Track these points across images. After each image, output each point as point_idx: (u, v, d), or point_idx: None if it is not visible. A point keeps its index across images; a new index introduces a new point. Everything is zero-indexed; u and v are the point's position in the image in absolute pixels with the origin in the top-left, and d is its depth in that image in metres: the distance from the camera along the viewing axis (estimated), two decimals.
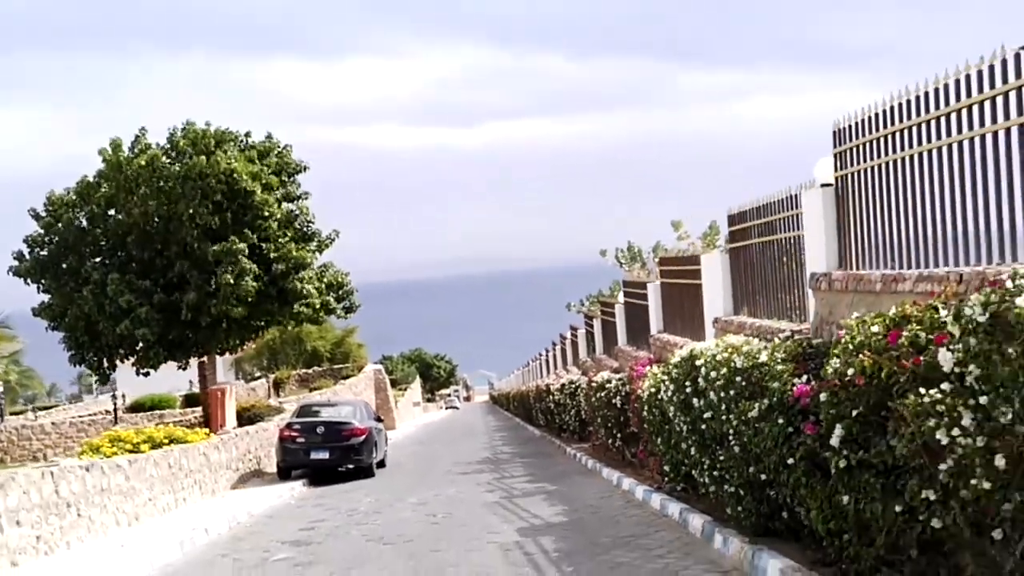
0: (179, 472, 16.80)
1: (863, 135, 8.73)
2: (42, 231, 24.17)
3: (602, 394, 16.27)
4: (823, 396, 5.92)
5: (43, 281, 23.88)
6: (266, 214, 23.31)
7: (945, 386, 4.59)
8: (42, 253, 24.08)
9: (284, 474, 20.47)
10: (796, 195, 10.63)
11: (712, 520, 9.24)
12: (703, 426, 9.03)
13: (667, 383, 10.47)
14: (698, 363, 9.13)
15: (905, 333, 5.19)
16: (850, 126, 9.03)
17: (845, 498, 5.93)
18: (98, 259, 23.80)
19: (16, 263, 24.10)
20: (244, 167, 22.92)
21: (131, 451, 17.15)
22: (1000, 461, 4.27)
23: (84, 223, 24.08)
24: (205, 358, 25.50)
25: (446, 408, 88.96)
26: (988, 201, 6.77)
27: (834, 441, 5.81)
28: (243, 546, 12.11)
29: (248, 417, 26.01)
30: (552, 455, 22.58)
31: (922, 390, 4.70)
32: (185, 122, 24.46)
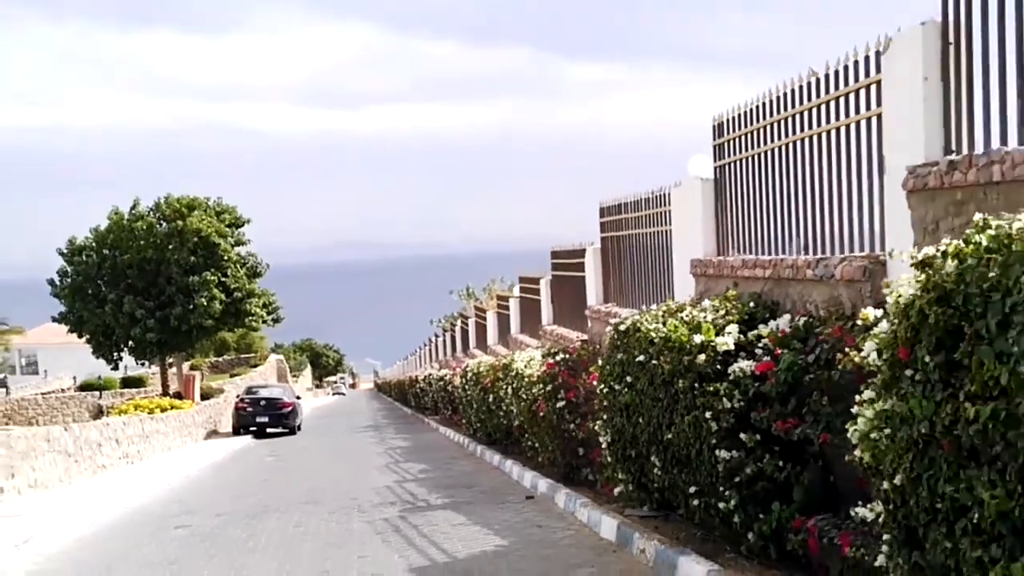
0: (183, 426, 27.40)
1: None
2: (67, 265, 34.61)
3: (440, 383, 27.51)
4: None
5: (75, 301, 34.21)
6: (226, 258, 34.24)
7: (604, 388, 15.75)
8: (67, 280, 34.46)
9: (237, 431, 31.06)
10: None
11: (502, 456, 20.39)
12: (489, 403, 20.07)
13: (463, 380, 21.67)
14: (482, 369, 20.22)
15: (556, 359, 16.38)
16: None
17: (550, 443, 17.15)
18: (111, 286, 34.27)
19: (53, 287, 34.49)
20: (209, 225, 33.90)
21: (149, 412, 27.60)
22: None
23: (98, 261, 34.55)
24: (172, 356, 36.24)
25: (333, 394, 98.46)
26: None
27: (559, 404, 17.03)
28: (242, 457, 22.92)
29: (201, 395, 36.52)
30: (415, 423, 33.63)
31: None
32: (167, 194, 35.34)
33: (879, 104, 6.07)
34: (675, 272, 10.29)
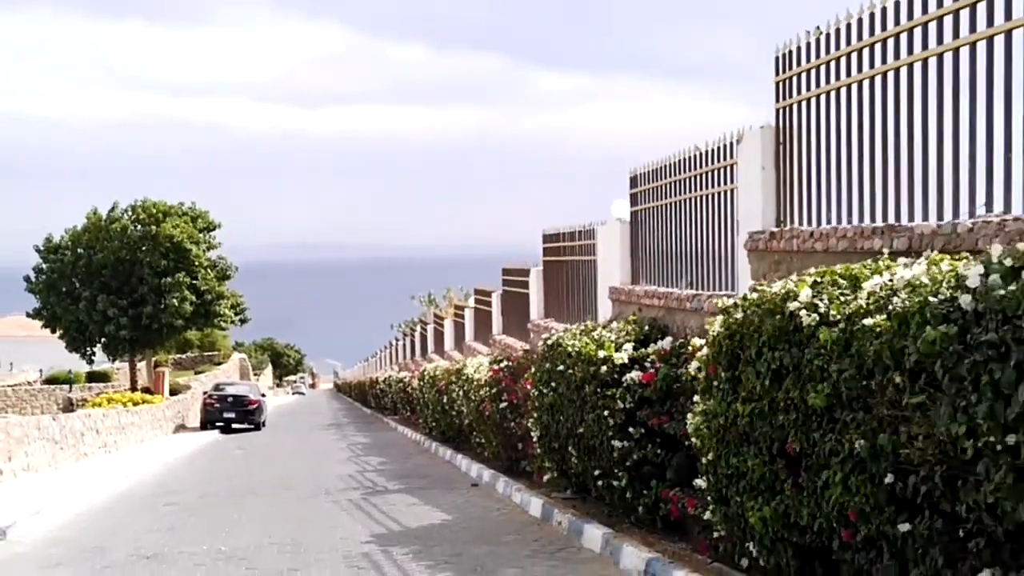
0: (154, 419, 28.96)
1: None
2: (42, 262, 36.01)
3: (399, 385, 29.30)
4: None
5: (50, 297, 35.62)
6: (197, 262, 35.90)
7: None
8: (42, 277, 35.90)
9: (204, 426, 32.61)
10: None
11: (454, 451, 22.22)
12: (443, 404, 21.89)
13: (421, 382, 23.48)
14: (438, 373, 22.03)
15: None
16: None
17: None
18: (85, 284, 35.74)
19: (28, 283, 35.85)
20: (182, 232, 35.57)
21: (123, 405, 29.13)
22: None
23: (73, 259, 36.03)
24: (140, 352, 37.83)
25: (293, 393, 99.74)
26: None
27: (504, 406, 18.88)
28: (212, 450, 24.58)
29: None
30: (375, 423, 35.38)
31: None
32: (143, 198, 36.88)
33: (734, 181, 8.03)
34: (599, 296, 12.24)
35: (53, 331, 37.15)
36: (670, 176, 9.77)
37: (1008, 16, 5.02)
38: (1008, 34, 5.05)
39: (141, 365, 38.58)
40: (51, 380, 50.47)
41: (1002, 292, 3.50)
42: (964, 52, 5.42)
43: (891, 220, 6.09)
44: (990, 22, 5.16)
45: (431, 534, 9.95)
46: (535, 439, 11.33)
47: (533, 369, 11.42)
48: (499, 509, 11.48)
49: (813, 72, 6.94)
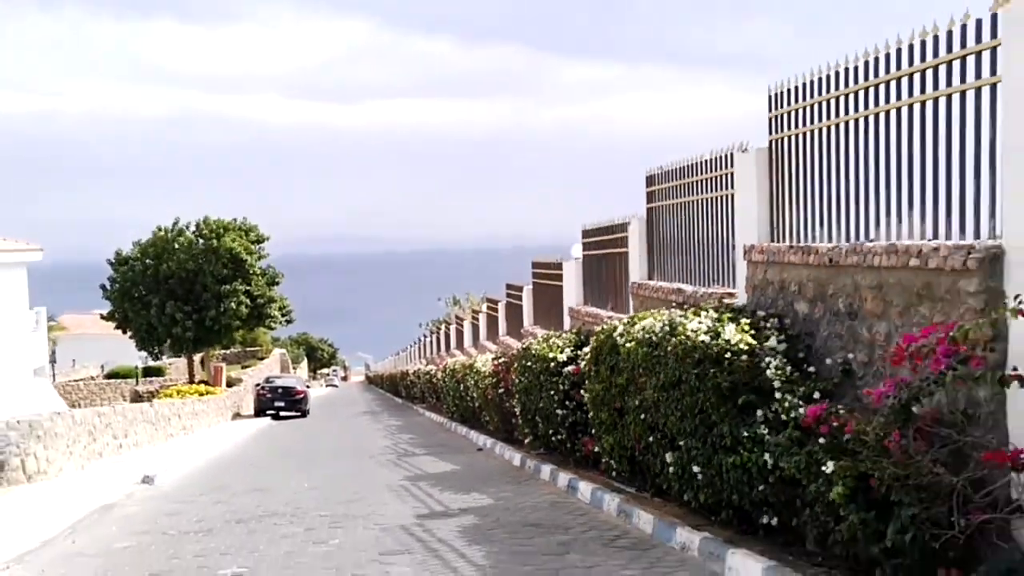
0: (218, 407, 34.07)
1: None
2: (114, 273, 41.58)
3: (426, 376, 34.23)
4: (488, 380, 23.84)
5: (124, 303, 41.13)
6: (252, 271, 41.31)
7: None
8: (115, 286, 41.49)
9: (257, 414, 37.69)
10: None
11: (469, 428, 27.07)
12: (460, 391, 26.75)
13: (443, 374, 28.35)
14: (456, 366, 26.85)
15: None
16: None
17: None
18: (152, 291, 41.21)
19: (104, 291, 41.53)
20: (239, 244, 41.01)
21: (195, 396, 34.20)
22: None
23: (142, 269, 41.55)
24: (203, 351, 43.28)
25: (326, 386, 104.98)
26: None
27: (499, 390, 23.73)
28: (269, 431, 29.60)
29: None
30: (405, 410, 40.29)
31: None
32: (205, 216, 42.45)
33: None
34: (564, 312, 17.06)
35: (124, 332, 42.77)
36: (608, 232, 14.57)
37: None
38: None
39: (203, 361, 44.17)
40: (112, 375, 55.67)
41: (670, 330, 8.27)
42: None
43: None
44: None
45: (444, 476, 14.79)
46: (518, 413, 16.11)
47: (516, 364, 16.22)
48: (493, 461, 16.33)
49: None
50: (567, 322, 16.65)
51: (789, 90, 8.37)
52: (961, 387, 5.39)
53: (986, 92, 5.74)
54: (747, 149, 9.18)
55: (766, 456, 6.92)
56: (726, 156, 9.87)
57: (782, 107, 8.56)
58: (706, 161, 10.53)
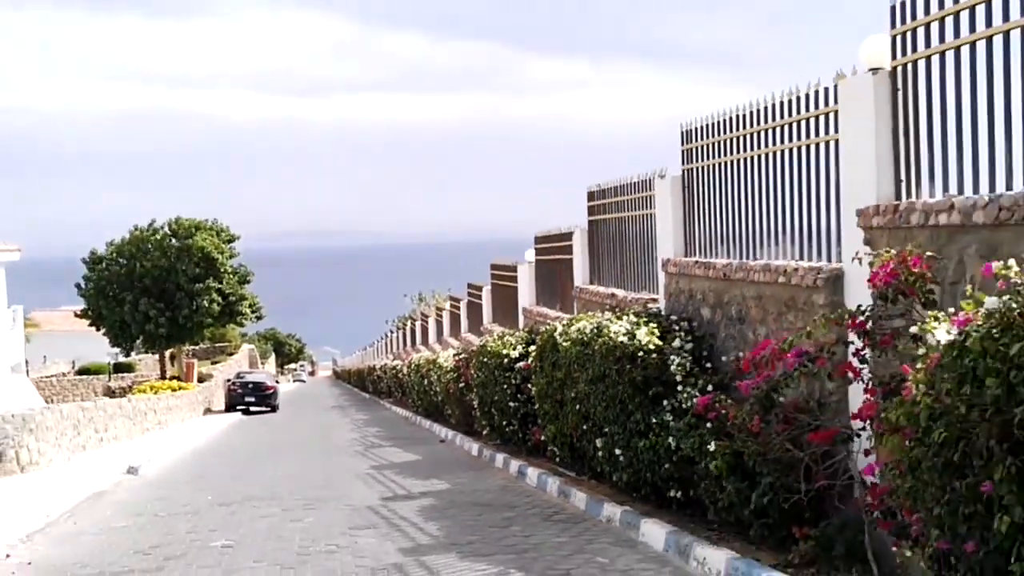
0: (190, 402, 35.14)
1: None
2: (90, 272, 42.49)
3: (392, 372, 35.49)
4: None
5: (98, 301, 42.07)
6: (223, 269, 42.42)
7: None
8: (90, 285, 42.42)
9: (228, 409, 38.78)
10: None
11: (432, 421, 28.38)
12: (424, 386, 28.05)
13: (408, 369, 29.62)
14: (420, 362, 28.13)
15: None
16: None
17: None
18: (126, 289, 42.18)
19: (79, 290, 42.41)
20: (211, 244, 42.08)
21: (167, 391, 35.25)
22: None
23: (117, 268, 42.50)
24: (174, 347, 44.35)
25: (294, 380, 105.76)
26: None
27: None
28: (241, 426, 30.76)
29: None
30: (372, 405, 41.50)
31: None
32: (177, 216, 43.42)
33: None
34: (519, 311, 18.44)
35: (98, 329, 43.74)
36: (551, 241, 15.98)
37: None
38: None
39: (175, 356, 45.31)
40: (83, 371, 56.41)
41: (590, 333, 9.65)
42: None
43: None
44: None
45: (408, 465, 16.11)
46: (476, 406, 17.45)
47: (474, 360, 17.56)
48: (453, 451, 17.67)
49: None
50: (521, 321, 18.03)
51: (696, 128, 9.82)
52: (806, 381, 6.81)
53: (832, 145, 7.16)
54: (664, 175, 10.62)
55: (670, 439, 8.32)
56: (648, 180, 11.31)
57: (691, 142, 10.00)
58: (634, 183, 12.02)
